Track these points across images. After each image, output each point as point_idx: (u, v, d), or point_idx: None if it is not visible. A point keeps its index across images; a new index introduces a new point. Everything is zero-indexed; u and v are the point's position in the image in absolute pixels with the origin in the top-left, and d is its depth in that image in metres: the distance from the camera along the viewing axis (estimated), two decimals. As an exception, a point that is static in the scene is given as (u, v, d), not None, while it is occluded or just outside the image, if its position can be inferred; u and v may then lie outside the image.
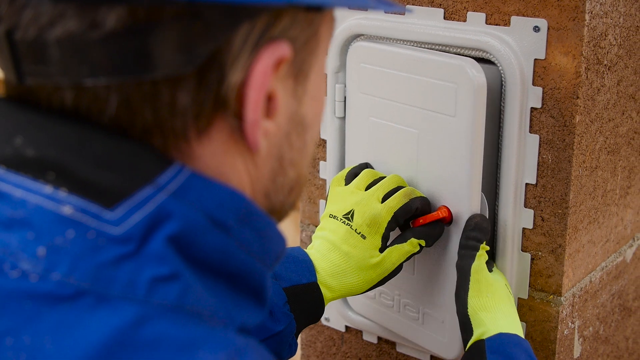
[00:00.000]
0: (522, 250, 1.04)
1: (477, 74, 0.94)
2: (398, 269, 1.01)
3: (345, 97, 1.12)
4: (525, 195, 1.02)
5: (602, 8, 0.95)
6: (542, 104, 0.97)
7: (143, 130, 0.55)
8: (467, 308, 0.97)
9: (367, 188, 1.03)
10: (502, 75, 0.98)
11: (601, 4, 0.94)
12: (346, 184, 1.05)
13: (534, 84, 0.97)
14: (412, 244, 1.00)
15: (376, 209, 0.99)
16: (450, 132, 0.98)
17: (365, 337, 1.24)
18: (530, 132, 0.99)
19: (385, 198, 1.01)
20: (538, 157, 0.99)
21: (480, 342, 0.91)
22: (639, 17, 1.02)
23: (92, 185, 0.53)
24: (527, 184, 1.01)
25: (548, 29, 0.94)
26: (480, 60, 0.98)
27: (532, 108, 0.98)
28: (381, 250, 1.00)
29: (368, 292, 1.05)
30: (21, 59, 0.54)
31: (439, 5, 1.03)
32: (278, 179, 0.63)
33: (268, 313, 0.94)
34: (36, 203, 0.53)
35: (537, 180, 1.00)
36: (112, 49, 0.52)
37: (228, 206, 0.57)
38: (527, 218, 1.02)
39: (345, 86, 1.11)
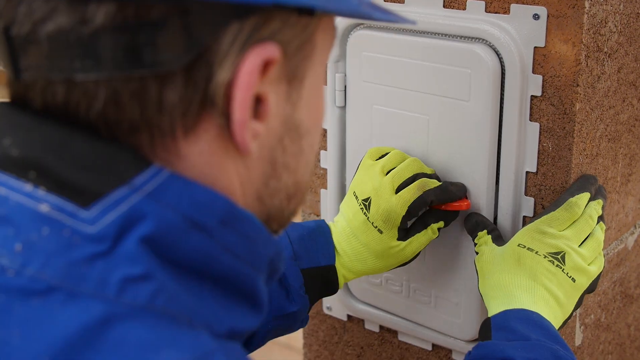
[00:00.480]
0: (523, 238, 1.04)
1: (491, 59, 0.96)
2: (418, 253, 1.04)
3: (345, 86, 1.12)
4: (525, 183, 1.02)
5: (602, -5, 0.94)
6: (542, 92, 0.97)
7: (130, 127, 0.56)
8: (482, 298, 0.97)
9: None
10: (502, 63, 0.98)
11: (601, -9, 0.94)
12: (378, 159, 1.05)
13: (534, 72, 0.97)
14: (432, 230, 1.02)
15: (390, 203, 0.99)
16: (464, 117, 1.00)
17: (367, 326, 1.24)
18: (530, 120, 0.99)
19: (401, 187, 1.01)
20: (538, 145, 0.99)
21: (487, 321, 0.91)
22: (639, 4, 1.01)
23: (69, 184, 0.55)
24: (527, 172, 1.01)
25: (548, 16, 0.94)
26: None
27: (532, 96, 0.98)
28: (400, 238, 1.01)
29: (374, 279, 1.09)
30: (17, 54, 0.55)
31: (439, -6, 1.03)
32: (271, 183, 0.63)
33: (266, 314, 0.95)
34: (17, 200, 0.54)
35: (537, 168, 1.00)
36: (101, 44, 0.53)
37: (209, 208, 0.57)
38: (527, 206, 1.02)
39: (345, 75, 1.11)
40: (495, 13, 0.98)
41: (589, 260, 0.94)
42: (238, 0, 0.54)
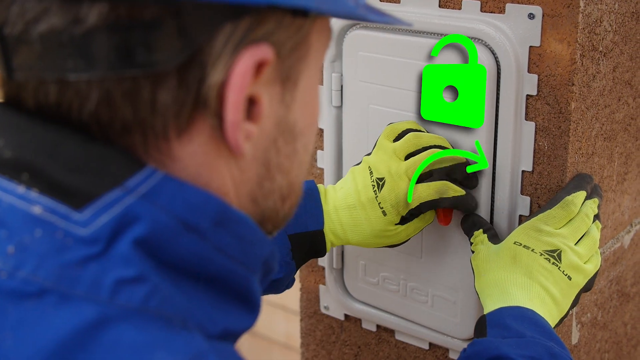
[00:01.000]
0: (519, 237, 1.04)
1: (487, 58, 0.97)
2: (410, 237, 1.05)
3: (341, 86, 1.12)
4: (521, 182, 1.02)
5: (597, -6, 0.95)
6: (538, 91, 0.97)
7: (123, 128, 0.56)
8: (478, 296, 0.97)
9: (408, 157, 1.01)
10: (498, 62, 0.98)
11: (596, -10, 0.94)
12: (394, 140, 1.03)
13: (529, 71, 0.97)
14: (429, 215, 1.03)
15: (404, 193, 0.99)
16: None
17: (365, 325, 1.24)
18: (526, 120, 0.99)
19: (421, 179, 1.00)
20: (534, 144, 0.99)
21: (482, 318, 0.91)
22: (634, 3, 1.02)
23: (62, 186, 0.55)
24: (523, 171, 1.01)
25: (543, 16, 0.94)
26: (475, 47, 0.99)
27: (527, 95, 0.98)
28: (399, 223, 1.01)
29: (371, 278, 1.08)
30: (10, 54, 0.55)
31: (434, -7, 1.03)
32: (265, 184, 0.63)
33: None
34: (9, 202, 0.54)
35: (533, 168, 1.00)
36: (93, 44, 0.53)
37: (202, 210, 0.57)
38: (523, 205, 1.02)
39: (341, 75, 1.12)
40: (491, 12, 0.98)
41: (585, 259, 0.94)
42: (232, 1, 0.54)
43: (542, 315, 0.90)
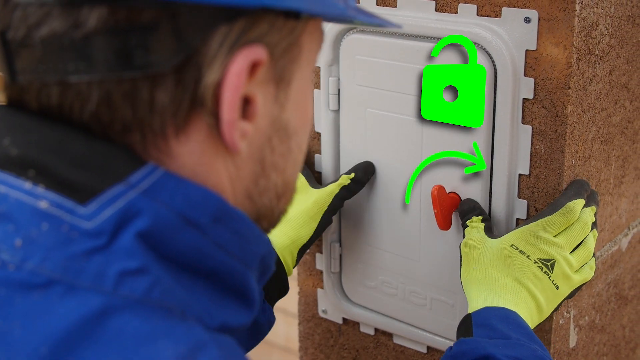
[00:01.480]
0: (516, 240, 1.04)
1: (483, 62, 0.97)
2: (338, 203, 1.10)
3: (339, 90, 1.12)
4: (518, 186, 1.02)
5: (593, -2, 0.95)
6: (534, 95, 0.97)
7: (123, 128, 0.58)
8: (461, 283, 0.98)
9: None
10: (494, 66, 0.98)
11: (592, -6, 0.94)
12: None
13: (525, 74, 0.97)
14: (343, 179, 1.10)
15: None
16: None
17: (363, 329, 1.24)
18: (522, 123, 0.99)
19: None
20: (531, 148, 1.00)
21: (467, 317, 0.92)
22: (630, 6, 1.02)
23: (67, 182, 0.56)
24: (520, 175, 1.01)
25: (539, 19, 0.95)
26: (471, 51, 0.99)
27: (524, 99, 0.98)
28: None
29: (369, 281, 1.08)
30: (13, 58, 0.57)
31: (431, -3, 1.03)
32: (260, 182, 0.65)
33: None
34: (16, 198, 0.56)
35: (530, 171, 1.00)
36: (93, 47, 0.55)
37: (201, 206, 0.59)
38: (520, 209, 1.02)
39: (338, 79, 1.12)
40: (487, 16, 0.99)
41: (575, 268, 0.96)
42: (226, 4, 0.55)
43: (524, 319, 0.91)
